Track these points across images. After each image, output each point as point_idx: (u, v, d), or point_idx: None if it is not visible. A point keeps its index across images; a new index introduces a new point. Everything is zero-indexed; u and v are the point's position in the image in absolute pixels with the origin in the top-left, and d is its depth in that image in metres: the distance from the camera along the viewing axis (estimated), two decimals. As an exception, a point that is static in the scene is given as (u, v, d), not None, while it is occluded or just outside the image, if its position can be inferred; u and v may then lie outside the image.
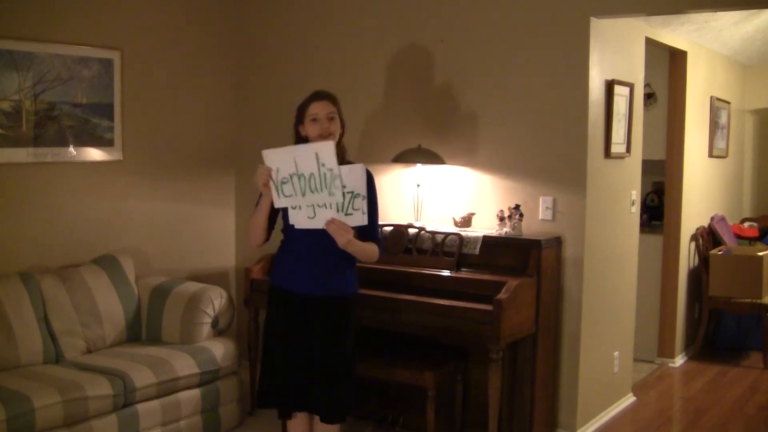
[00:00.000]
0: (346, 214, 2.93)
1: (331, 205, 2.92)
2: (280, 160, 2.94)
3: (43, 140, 4.11)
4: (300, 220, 2.97)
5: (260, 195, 3.07)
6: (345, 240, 2.92)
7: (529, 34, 4.03)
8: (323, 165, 2.89)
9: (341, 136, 3.12)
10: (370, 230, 3.08)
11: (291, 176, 2.93)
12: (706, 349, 5.87)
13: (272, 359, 3.14)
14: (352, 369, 3.14)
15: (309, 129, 3.06)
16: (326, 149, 2.89)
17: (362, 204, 2.92)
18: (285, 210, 3.02)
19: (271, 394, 3.15)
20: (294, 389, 3.09)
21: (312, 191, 2.92)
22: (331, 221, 2.90)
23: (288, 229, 3.08)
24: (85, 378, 3.46)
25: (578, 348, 4.00)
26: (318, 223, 2.94)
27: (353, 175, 2.91)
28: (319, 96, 3.08)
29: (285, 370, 3.09)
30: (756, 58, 6.59)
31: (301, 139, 3.11)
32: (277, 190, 2.96)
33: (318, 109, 3.04)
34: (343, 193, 2.90)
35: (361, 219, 2.94)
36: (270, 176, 2.95)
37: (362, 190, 2.92)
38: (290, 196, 2.95)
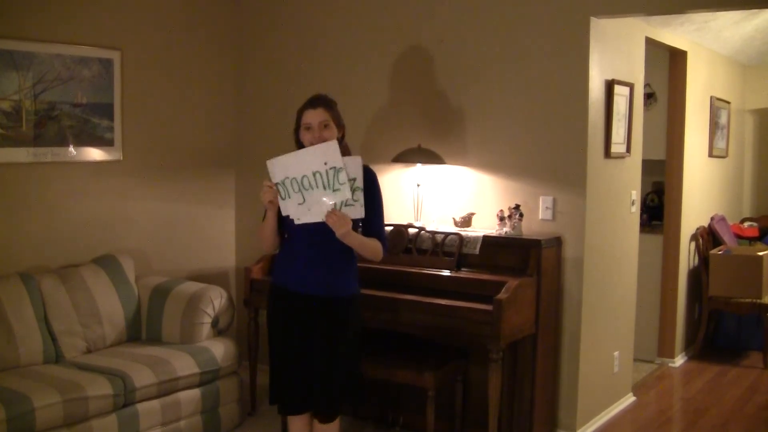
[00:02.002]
0: (346, 205, 2.95)
1: (330, 197, 2.94)
2: (284, 166, 2.96)
3: (43, 140, 4.11)
4: (299, 214, 2.98)
5: (265, 209, 3.08)
6: (344, 231, 2.94)
7: (529, 34, 4.03)
8: (326, 164, 2.93)
9: (342, 137, 3.13)
10: (375, 228, 3.10)
11: (294, 180, 2.95)
12: (706, 349, 5.87)
13: (276, 358, 3.15)
14: (354, 369, 3.15)
15: (303, 137, 3.08)
16: (332, 149, 2.93)
17: (360, 196, 2.96)
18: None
19: (280, 391, 3.17)
20: (296, 388, 3.10)
21: (316, 188, 2.94)
22: (332, 212, 2.92)
23: (289, 228, 3.08)
24: (85, 378, 3.46)
25: (578, 348, 4.00)
26: (317, 216, 2.95)
27: (353, 165, 2.96)
28: (312, 103, 3.08)
29: (287, 369, 3.10)
30: (756, 58, 6.59)
31: (300, 144, 3.13)
32: (283, 199, 2.97)
33: (311, 117, 3.05)
34: (348, 183, 2.94)
35: (359, 211, 2.97)
36: (275, 192, 2.97)
37: (360, 181, 2.95)
38: (297, 202, 2.97)
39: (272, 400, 3.22)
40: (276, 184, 2.98)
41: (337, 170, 2.93)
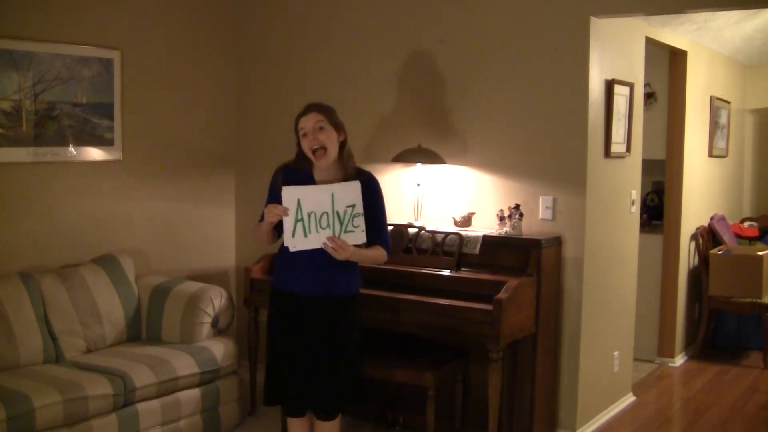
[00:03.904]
0: (346, 232, 2.95)
1: (330, 225, 2.94)
2: (305, 198, 2.95)
3: (43, 140, 4.11)
4: (296, 242, 2.97)
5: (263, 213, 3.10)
6: (343, 257, 2.96)
7: (529, 34, 4.03)
8: (347, 205, 2.94)
9: (344, 141, 3.13)
10: (378, 233, 3.11)
11: (313, 214, 2.94)
12: (706, 349, 5.87)
13: (276, 360, 3.16)
14: (355, 368, 3.16)
15: (303, 144, 3.09)
16: (353, 188, 2.95)
17: (361, 221, 2.97)
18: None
19: (276, 393, 3.18)
20: (297, 389, 3.11)
21: (330, 228, 2.94)
22: (331, 239, 2.94)
23: None
24: (85, 377, 3.46)
25: (578, 348, 4.00)
26: (315, 243, 2.95)
27: (351, 190, 2.96)
28: (306, 110, 3.11)
29: (288, 371, 3.11)
30: (756, 58, 6.59)
31: (301, 153, 3.14)
32: (292, 231, 2.95)
33: (305, 123, 3.07)
34: (345, 209, 2.94)
35: (360, 237, 2.98)
36: (281, 216, 2.97)
37: (360, 207, 2.96)
38: (303, 234, 2.96)
39: (267, 401, 3.23)
40: (294, 216, 2.95)
41: (354, 213, 2.94)
